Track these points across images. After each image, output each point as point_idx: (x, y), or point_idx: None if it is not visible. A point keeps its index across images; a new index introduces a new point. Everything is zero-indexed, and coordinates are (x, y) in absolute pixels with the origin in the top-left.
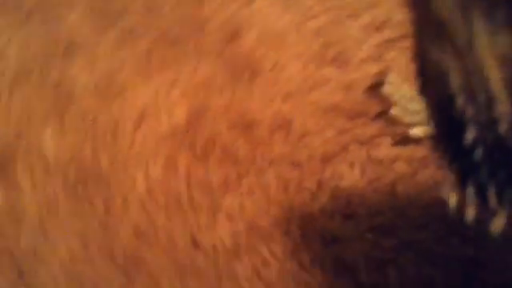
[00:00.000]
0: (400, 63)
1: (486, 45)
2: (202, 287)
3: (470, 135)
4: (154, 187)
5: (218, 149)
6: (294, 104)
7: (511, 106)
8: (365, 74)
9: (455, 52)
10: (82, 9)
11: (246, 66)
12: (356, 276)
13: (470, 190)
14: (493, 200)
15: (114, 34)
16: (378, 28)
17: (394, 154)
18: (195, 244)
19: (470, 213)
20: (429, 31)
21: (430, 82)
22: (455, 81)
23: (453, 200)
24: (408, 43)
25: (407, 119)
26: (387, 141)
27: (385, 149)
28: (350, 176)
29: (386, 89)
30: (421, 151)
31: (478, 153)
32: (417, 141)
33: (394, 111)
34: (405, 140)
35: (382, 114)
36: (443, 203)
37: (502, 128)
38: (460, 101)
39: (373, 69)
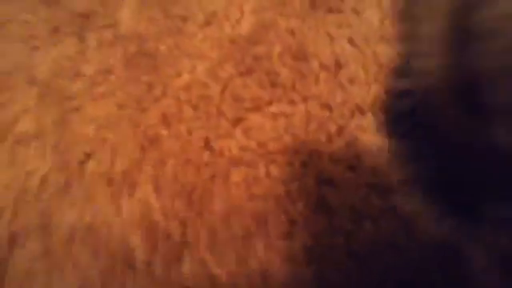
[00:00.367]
0: None
1: None
2: (196, 180)
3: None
4: (193, 85)
5: (263, 69)
6: (355, 50)
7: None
8: None
9: None
10: None
11: (326, 1)
12: (333, 219)
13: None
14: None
15: None
16: None
17: None
18: (207, 146)
19: None
20: None
21: None
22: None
23: None
24: None
25: None
26: None
27: None
28: (372, 134)
29: None
30: None
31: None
32: None
33: None
34: None
35: None
36: None
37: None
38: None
39: None
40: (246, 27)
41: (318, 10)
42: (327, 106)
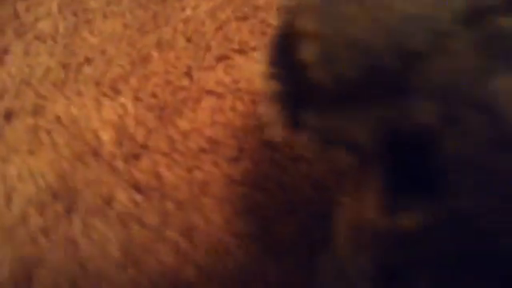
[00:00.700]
0: None
1: None
2: (171, 99)
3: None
4: (192, 20)
5: (258, 18)
6: None
7: None
8: None
9: None
10: None
11: None
12: (275, 154)
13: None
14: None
15: None
16: None
17: None
18: (188, 73)
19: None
20: None
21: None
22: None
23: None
24: None
25: None
26: None
27: None
28: None
29: None
30: None
31: None
32: None
33: None
34: None
35: None
36: None
37: None
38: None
39: None
40: None
41: None
42: None
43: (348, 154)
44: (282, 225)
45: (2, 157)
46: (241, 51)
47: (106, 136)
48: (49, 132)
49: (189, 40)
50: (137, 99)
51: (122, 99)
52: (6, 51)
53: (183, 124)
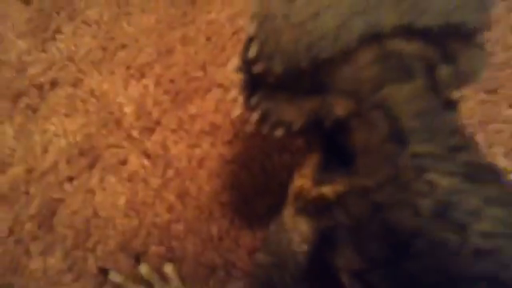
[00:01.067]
0: None
1: None
2: (185, 88)
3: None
4: (214, 23)
5: None
6: None
7: None
8: None
9: None
10: None
11: None
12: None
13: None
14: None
15: None
16: None
17: None
18: (203, 68)
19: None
20: None
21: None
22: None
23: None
24: None
25: None
26: None
27: None
28: None
29: None
30: None
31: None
32: None
33: None
34: None
35: None
36: None
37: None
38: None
39: None
40: None
41: None
42: None
43: (284, 132)
44: (258, 200)
45: (44, 115)
46: None
47: (128, 110)
48: (83, 101)
49: (208, 39)
50: (158, 83)
51: (146, 81)
52: (58, 30)
53: (192, 108)
